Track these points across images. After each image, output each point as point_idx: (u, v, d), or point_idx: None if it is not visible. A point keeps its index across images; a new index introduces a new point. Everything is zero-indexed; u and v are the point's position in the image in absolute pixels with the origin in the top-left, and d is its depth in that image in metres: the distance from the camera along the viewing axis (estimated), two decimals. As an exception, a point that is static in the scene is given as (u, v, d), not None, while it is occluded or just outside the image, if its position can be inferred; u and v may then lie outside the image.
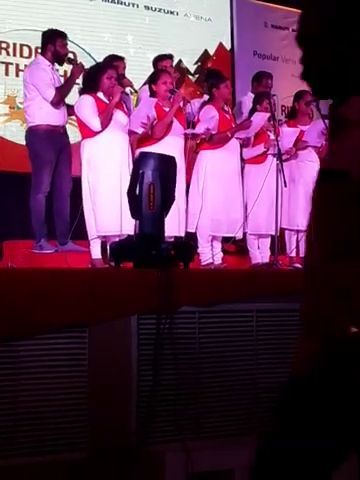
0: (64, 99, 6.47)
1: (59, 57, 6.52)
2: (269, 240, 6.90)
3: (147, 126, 6.23)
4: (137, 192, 4.54)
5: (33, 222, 6.43)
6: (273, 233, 6.74)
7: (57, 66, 6.68)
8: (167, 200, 4.65)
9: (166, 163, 4.75)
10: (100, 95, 6.16)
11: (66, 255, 5.93)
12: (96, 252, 6.14)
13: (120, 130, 6.16)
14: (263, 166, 6.80)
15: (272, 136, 6.86)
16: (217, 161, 6.68)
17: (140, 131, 6.26)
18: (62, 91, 6.40)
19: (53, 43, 6.51)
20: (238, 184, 6.84)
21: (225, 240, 6.83)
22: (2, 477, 3.52)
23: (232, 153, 6.80)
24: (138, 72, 7.70)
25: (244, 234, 6.96)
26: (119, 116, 6.19)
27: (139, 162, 4.73)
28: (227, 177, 6.70)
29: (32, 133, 6.50)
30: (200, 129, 6.53)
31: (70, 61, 6.56)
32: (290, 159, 7.15)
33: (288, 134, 7.05)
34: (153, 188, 4.45)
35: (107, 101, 6.13)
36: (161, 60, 7.13)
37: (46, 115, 6.40)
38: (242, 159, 7.05)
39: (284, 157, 7.02)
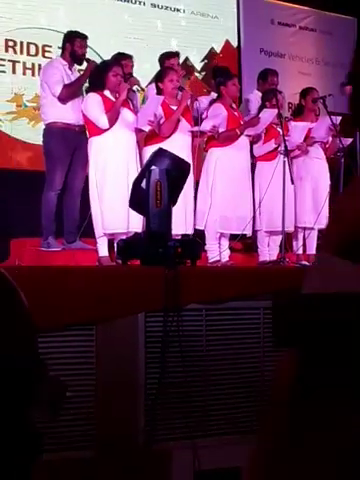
0: (73, 96, 6.47)
1: (77, 57, 6.56)
2: (280, 237, 6.88)
3: (154, 124, 6.23)
4: (144, 186, 4.54)
5: (43, 219, 6.45)
6: (287, 230, 6.74)
7: (77, 67, 6.71)
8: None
9: (179, 167, 4.75)
10: (106, 93, 6.16)
11: (74, 253, 5.94)
12: (103, 250, 6.14)
13: (127, 128, 6.16)
14: (274, 163, 6.77)
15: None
16: (226, 159, 6.67)
17: (147, 129, 6.26)
18: (70, 87, 6.42)
19: (72, 43, 6.55)
20: (247, 181, 6.83)
21: (233, 237, 6.83)
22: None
23: (241, 150, 6.79)
24: (145, 70, 7.71)
25: (254, 231, 6.96)
26: (126, 114, 6.20)
27: (154, 157, 4.72)
28: (236, 174, 6.69)
29: (47, 131, 6.55)
30: (206, 126, 6.52)
31: (86, 60, 6.59)
32: (301, 155, 7.13)
33: (298, 129, 7.03)
34: (160, 186, 4.46)
35: (113, 99, 6.13)
36: (168, 58, 7.12)
37: (59, 113, 6.44)
38: (252, 156, 7.04)
39: (295, 153, 7.01)
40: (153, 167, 4.53)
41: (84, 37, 6.62)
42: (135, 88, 7.04)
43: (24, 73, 7.93)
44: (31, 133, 7.65)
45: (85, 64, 6.62)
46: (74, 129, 6.48)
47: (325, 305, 1.52)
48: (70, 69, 6.59)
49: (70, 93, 6.42)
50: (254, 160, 7.08)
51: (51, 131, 6.49)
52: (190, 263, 4.44)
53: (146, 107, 6.47)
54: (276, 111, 6.77)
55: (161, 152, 4.80)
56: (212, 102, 6.86)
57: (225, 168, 6.65)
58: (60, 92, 6.37)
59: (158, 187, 4.46)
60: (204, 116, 6.68)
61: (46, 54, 7.84)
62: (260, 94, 7.54)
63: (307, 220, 7.13)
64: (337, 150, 7.36)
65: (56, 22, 7.62)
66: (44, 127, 6.60)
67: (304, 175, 7.18)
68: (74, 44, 6.55)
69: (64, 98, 6.40)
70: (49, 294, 3.62)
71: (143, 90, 7.17)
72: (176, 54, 7.24)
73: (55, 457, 3.63)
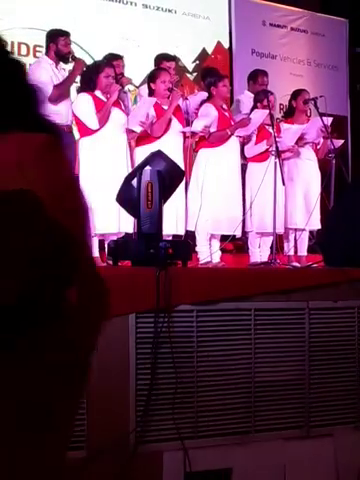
0: (63, 96, 6.45)
1: (62, 55, 6.53)
2: (271, 239, 6.88)
3: (146, 125, 6.22)
4: (135, 185, 4.51)
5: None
6: (277, 231, 6.75)
7: (63, 65, 6.68)
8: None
9: (173, 172, 4.72)
10: (98, 93, 6.15)
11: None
12: (94, 251, 6.13)
13: (118, 128, 6.15)
14: (266, 164, 6.77)
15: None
16: (217, 159, 6.68)
17: (138, 130, 6.25)
18: (60, 88, 6.40)
19: (55, 42, 6.53)
20: (238, 182, 6.84)
21: (224, 238, 6.83)
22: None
23: (232, 151, 6.79)
24: (136, 71, 7.70)
25: (245, 232, 6.96)
26: (117, 114, 6.19)
27: (150, 158, 4.70)
28: (227, 175, 6.70)
29: None
30: (197, 127, 6.52)
31: (72, 58, 6.55)
32: (292, 157, 7.13)
33: (291, 132, 7.03)
34: (151, 187, 4.44)
35: (105, 99, 6.13)
36: (166, 60, 7.08)
37: (48, 113, 6.39)
38: (244, 157, 7.04)
39: (287, 154, 7.02)
40: (146, 168, 4.51)
41: (67, 34, 6.59)
42: (128, 87, 7.03)
43: (15, 73, 7.91)
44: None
45: (71, 63, 6.58)
46: (62, 129, 6.46)
47: None
48: (56, 68, 6.57)
49: (60, 93, 6.40)
50: (245, 161, 7.08)
51: None
52: (181, 264, 4.43)
53: (138, 108, 6.46)
54: (267, 112, 6.78)
55: (158, 154, 4.77)
56: (203, 102, 6.86)
57: (215, 169, 6.64)
58: (51, 93, 6.36)
59: (149, 188, 4.44)
60: (194, 116, 6.68)
61: (37, 54, 7.84)
62: (251, 95, 7.55)
63: (298, 221, 7.14)
64: (328, 151, 7.38)
65: (47, 22, 7.59)
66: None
67: (295, 176, 7.18)
68: (57, 42, 6.52)
69: (54, 99, 6.38)
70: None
71: (137, 87, 7.14)
72: (173, 58, 7.22)
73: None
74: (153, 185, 4.43)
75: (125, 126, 6.19)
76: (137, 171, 4.57)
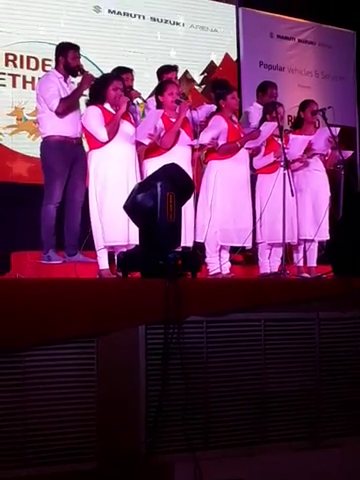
0: (71, 109, 6.47)
1: (71, 69, 6.55)
2: (281, 250, 6.87)
3: (154, 137, 6.24)
4: (149, 194, 4.49)
5: (42, 232, 6.45)
6: (290, 241, 6.77)
7: (72, 79, 6.70)
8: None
9: (185, 186, 4.73)
10: (107, 106, 6.18)
11: (74, 266, 5.94)
12: (104, 262, 6.14)
13: (127, 141, 6.17)
14: (275, 175, 6.78)
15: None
16: (226, 171, 6.69)
17: (147, 142, 6.27)
18: (67, 101, 6.42)
19: (64, 55, 6.55)
20: (247, 194, 6.84)
21: (233, 250, 6.83)
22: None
23: (241, 163, 6.80)
24: (145, 83, 7.73)
25: (255, 243, 6.96)
26: (126, 127, 6.21)
27: (164, 169, 4.70)
28: (236, 187, 6.70)
29: (44, 144, 6.55)
30: (205, 139, 6.53)
31: (80, 71, 6.57)
32: (302, 167, 7.14)
33: (298, 142, 7.03)
34: (172, 198, 4.43)
35: (114, 112, 6.15)
36: (167, 72, 7.13)
37: (57, 126, 6.44)
38: (252, 169, 7.04)
39: (296, 165, 7.02)
40: (165, 179, 4.48)
41: (77, 48, 6.60)
42: (137, 100, 7.06)
43: (24, 87, 7.97)
44: (31, 146, 7.68)
45: (80, 76, 6.60)
46: (72, 142, 6.50)
47: None
48: (65, 81, 6.59)
49: (67, 107, 6.42)
50: (255, 173, 7.08)
51: (49, 144, 6.50)
52: (190, 275, 4.44)
53: (145, 120, 6.48)
54: (276, 124, 6.79)
55: (173, 166, 4.77)
56: (212, 114, 6.88)
57: (225, 181, 6.66)
58: (57, 106, 6.38)
59: (171, 199, 4.42)
60: (202, 128, 6.69)
61: (46, 68, 7.88)
62: (260, 106, 7.56)
63: (308, 232, 7.14)
64: (337, 162, 7.38)
65: (56, 36, 7.65)
66: (41, 140, 6.61)
67: (304, 187, 7.19)
68: (67, 56, 6.54)
69: (61, 112, 6.41)
70: (49, 307, 3.61)
71: (145, 101, 7.17)
72: (174, 68, 7.25)
73: (55, 470, 3.62)
74: (174, 196, 4.43)
75: (134, 138, 6.21)
76: (151, 181, 4.55)
